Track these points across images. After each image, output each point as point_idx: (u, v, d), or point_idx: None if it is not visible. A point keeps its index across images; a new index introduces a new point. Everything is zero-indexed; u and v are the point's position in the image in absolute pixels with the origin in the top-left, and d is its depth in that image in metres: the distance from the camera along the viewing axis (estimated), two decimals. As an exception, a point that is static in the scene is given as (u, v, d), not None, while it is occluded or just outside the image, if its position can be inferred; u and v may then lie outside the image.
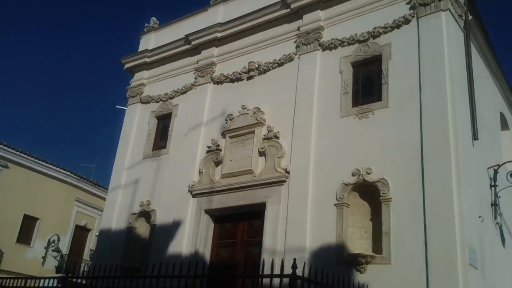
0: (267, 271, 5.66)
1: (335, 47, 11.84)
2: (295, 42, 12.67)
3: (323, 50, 12.08)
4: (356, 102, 11.12)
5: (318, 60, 12.03)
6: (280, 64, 12.73)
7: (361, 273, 9.32)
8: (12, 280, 8.99)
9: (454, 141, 9.45)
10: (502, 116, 14.81)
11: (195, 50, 14.89)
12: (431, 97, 9.95)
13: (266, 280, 5.65)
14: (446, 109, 9.70)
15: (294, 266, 5.31)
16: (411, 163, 9.64)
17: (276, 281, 5.47)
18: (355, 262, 9.41)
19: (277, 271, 5.57)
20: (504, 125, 15.00)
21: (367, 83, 11.26)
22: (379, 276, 9.08)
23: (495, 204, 11.60)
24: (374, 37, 11.28)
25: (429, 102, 9.92)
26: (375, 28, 11.26)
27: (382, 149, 10.14)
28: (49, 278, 8.84)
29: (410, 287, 8.64)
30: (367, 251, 9.59)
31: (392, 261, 9.12)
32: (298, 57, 12.41)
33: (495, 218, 11.57)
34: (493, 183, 11.71)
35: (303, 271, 5.48)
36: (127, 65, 16.60)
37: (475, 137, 10.67)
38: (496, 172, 11.79)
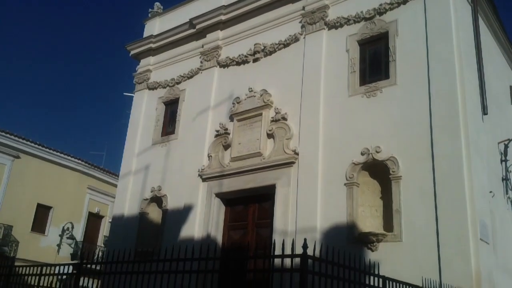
0: (278, 251, 5.68)
1: (341, 26, 11.71)
2: (300, 22, 12.54)
3: (329, 29, 11.95)
4: (363, 80, 11.04)
5: (324, 39, 11.91)
6: (286, 45, 12.63)
7: (372, 251, 9.36)
8: (28, 268, 9.11)
9: (463, 116, 9.37)
10: (512, 90, 14.63)
11: (200, 34, 14.81)
12: (439, 72, 9.85)
13: (277, 261, 5.67)
14: (454, 84, 9.60)
15: (304, 246, 5.30)
16: (420, 140, 9.60)
17: (288, 261, 5.49)
18: (367, 240, 9.45)
19: (288, 251, 5.58)
20: (514, 99, 14.82)
21: (374, 61, 11.16)
22: (391, 253, 9.11)
23: (506, 179, 11.56)
24: (380, 14, 11.13)
25: (437, 78, 9.83)
26: (381, 4, 11.11)
27: (390, 127, 10.09)
28: (65, 264, 8.95)
29: (422, 264, 8.67)
30: (378, 229, 9.63)
31: (404, 239, 9.14)
32: (304, 37, 12.30)
33: (506, 192, 11.53)
34: (503, 158, 11.66)
35: (314, 250, 5.50)
36: (132, 52, 16.57)
37: (484, 112, 10.58)
38: (506, 146, 11.72)
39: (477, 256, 8.44)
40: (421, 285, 7.44)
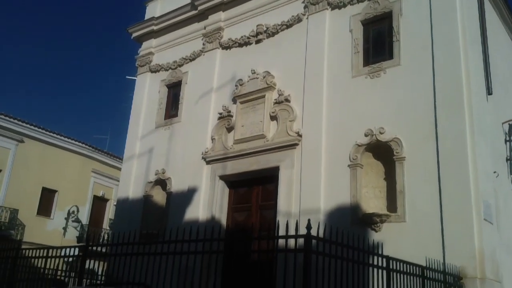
0: (282, 232, 5.71)
1: (344, 6, 11.57)
2: (303, 2, 12.38)
3: (332, 9, 11.82)
4: (367, 61, 10.95)
5: (327, 19, 11.79)
6: (288, 25, 12.50)
7: (376, 232, 9.40)
8: (35, 251, 9.21)
9: (468, 97, 9.32)
10: (517, 69, 14.48)
11: (202, 15, 14.67)
12: (443, 53, 9.76)
13: (281, 242, 5.71)
14: (459, 64, 9.52)
15: (308, 227, 5.34)
16: (424, 121, 9.56)
17: (292, 242, 5.53)
18: (370, 221, 9.48)
19: (292, 232, 5.62)
20: (519, 79, 14.68)
21: (378, 41, 11.05)
22: (395, 234, 9.14)
23: (510, 159, 11.54)
24: (385, -7, 10.98)
25: (441, 58, 9.74)
26: (385, -17, 10.95)
27: (394, 108, 10.04)
28: (71, 247, 9.06)
29: (425, 244, 8.70)
30: (382, 210, 9.65)
31: (407, 219, 9.17)
32: (307, 18, 12.17)
33: (511, 173, 11.52)
34: (508, 138, 11.61)
35: (318, 231, 5.52)
36: (134, 34, 16.44)
37: (489, 92, 10.51)
38: (511, 126, 11.65)
39: (480, 236, 8.47)
40: (424, 265, 7.49)
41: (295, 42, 12.20)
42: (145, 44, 16.33)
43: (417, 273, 7.26)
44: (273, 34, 12.78)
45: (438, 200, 8.88)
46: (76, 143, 29.24)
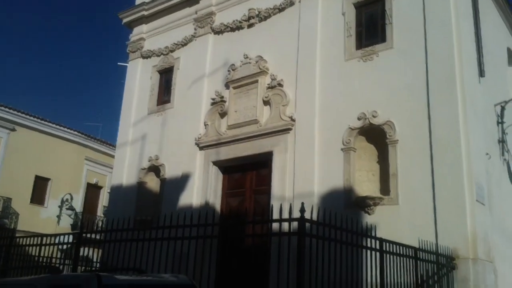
0: (276, 216, 5.74)
1: (337, -11, 11.48)
2: (295, -15, 12.28)
3: (324, -8, 11.73)
4: (360, 44, 10.91)
5: (319, 3, 11.70)
6: (280, 9, 12.39)
7: (369, 214, 9.46)
8: (29, 239, 9.18)
9: (460, 79, 9.33)
10: (509, 51, 14.49)
11: (193, 0, 14.51)
12: (436, 35, 9.74)
13: (275, 225, 5.73)
14: (451, 47, 9.52)
15: (302, 210, 5.37)
16: (417, 104, 9.57)
17: (286, 225, 5.55)
18: (363, 204, 9.53)
19: (286, 216, 5.64)
20: (511, 60, 14.72)
21: (371, 25, 11.01)
22: (388, 217, 9.21)
23: (502, 141, 11.60)
24: (377, -25, 10.90)
25: (434, 41, 9.73)
26: (377, -34, 10.87)
27: (387, 91, 10.04)
28: (65, 234, 9.05)
29: (418, 226, 8.77)
30: (375, 193, 9.70)
31: (400, 202, 9.22)
32: (299, 1, 12.07)
33: (503, 154, 11.60)
34: (500, 120, 11.66)
35: (311, 214, 5.54)
36: (125, 20, 16.23)
37: (481, 74, 10.52)
38: (503, 108, 11.72)
39: (473, 218, 8.54)
40: (417, 246, 7.55)
41: (287, 26, 12.11)
42: (136, 30, 16.15)
43: (410, 254, 7.33)
44: (265, 18, 12.67)
45: (431, 182, 8.94)
46: (69, 130, 29.08)
